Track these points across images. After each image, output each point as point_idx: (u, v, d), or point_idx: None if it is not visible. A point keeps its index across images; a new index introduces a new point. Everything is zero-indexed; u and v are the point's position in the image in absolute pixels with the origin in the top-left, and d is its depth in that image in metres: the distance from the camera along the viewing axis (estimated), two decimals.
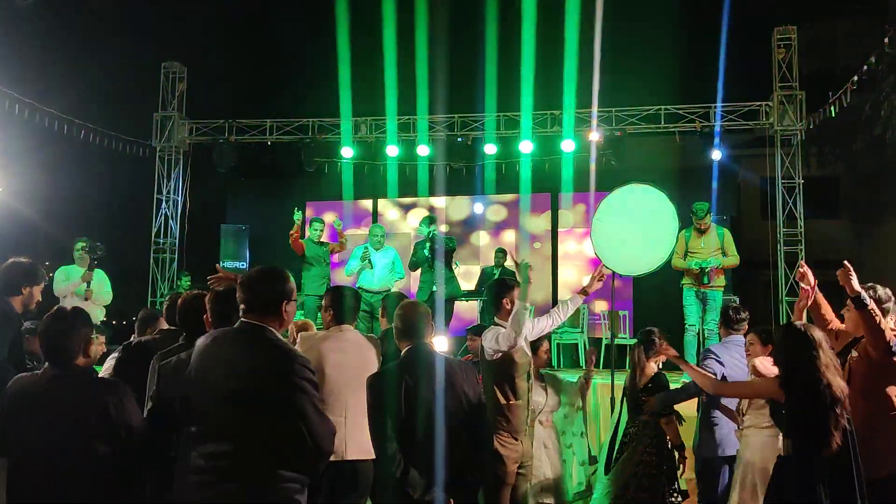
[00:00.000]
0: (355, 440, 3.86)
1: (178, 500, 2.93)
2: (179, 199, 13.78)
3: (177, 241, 13.71)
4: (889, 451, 4.00)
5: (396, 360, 3.57)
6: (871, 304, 3.97)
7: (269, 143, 13.44)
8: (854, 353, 4.25)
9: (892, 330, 4.15)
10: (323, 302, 4.42)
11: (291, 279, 3.07)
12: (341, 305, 4.18)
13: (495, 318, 4.65)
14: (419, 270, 9.36)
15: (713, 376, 4.75)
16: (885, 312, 4.23)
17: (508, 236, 14.20)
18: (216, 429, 2.80)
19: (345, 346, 4.03)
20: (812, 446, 3.67)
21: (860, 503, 3.63)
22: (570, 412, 5.91)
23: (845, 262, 4.09)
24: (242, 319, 2.96)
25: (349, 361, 3.66)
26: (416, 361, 3.40)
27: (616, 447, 5.38)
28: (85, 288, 8.37)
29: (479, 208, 14.51)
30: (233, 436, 2.78)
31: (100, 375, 4.00)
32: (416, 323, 3.51)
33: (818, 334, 3.80)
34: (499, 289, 4.66)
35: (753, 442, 4.65)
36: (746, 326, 5.44)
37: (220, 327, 3.32)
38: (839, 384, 3.70)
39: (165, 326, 5.00)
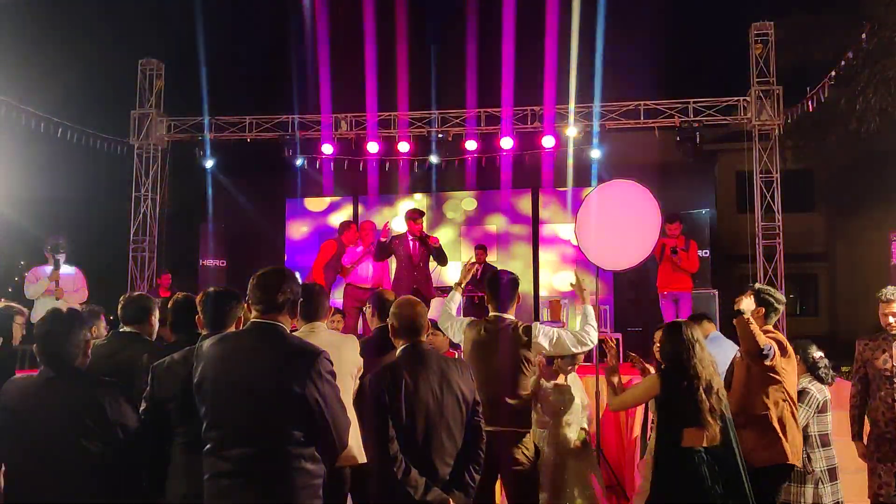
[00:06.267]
0: None
1: None
2: (158, 197, 13.65)
3: (155, 239, 13.57)
4: (757, 446, 4.29)
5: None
6: (748, 314, 4.17)
7: (248, 139, 13.35)
8: (737, 355, 4.58)
9: (770, 332, 4.38)
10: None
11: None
12: (311, 302, 3.92)
13: (503, 312, 4.58)
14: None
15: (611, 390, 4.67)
16: (776, 312, 4.58)
17: (489, 232, 14.23)
18: (242, 431, 2.83)
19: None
20: (685, 436, 3.86)
21: (747, 490, 3.86)
22: None
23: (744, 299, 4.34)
24: (259, 320, 3.01)
25: None
26: (414, 360, 3.37)
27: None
28: (54, 287, 8.37)
29: (459, 204, 14.52)
30: (260, 437, 2.82)
31: None
32: (413, 321, 3.48)
33: (696, 333, 4.04)
34: (515, 284, 4.65)
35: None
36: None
37: (214, 327, 3.31)
38: (713, 378, 3.93)
39: (104, 324, 4.75)
